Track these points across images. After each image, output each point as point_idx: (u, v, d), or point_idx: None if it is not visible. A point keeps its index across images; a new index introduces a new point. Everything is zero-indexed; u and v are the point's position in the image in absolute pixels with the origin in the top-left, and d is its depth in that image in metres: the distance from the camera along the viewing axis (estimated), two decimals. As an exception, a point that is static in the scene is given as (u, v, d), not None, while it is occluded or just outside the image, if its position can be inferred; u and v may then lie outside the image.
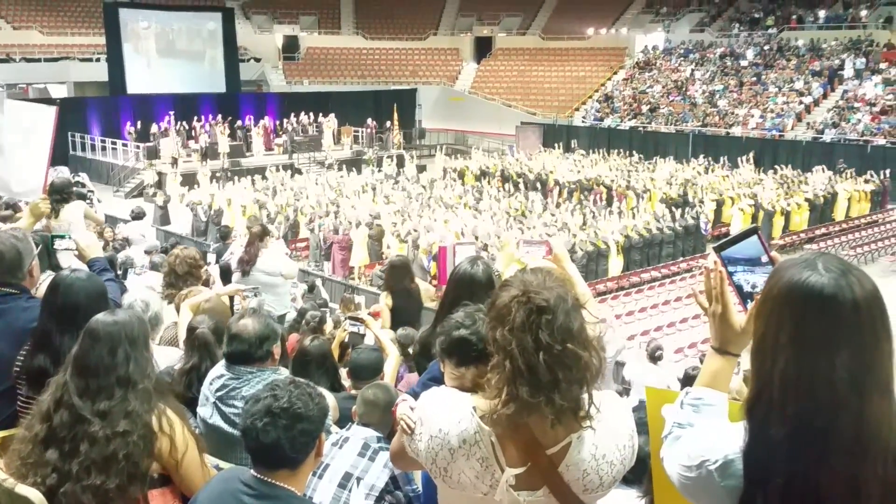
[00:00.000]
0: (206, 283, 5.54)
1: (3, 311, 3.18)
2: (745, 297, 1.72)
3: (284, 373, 3.47)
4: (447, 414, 1.92)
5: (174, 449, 2.40)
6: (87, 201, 7.30)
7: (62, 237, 4.09)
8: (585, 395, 1.80)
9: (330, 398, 3.45)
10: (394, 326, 5.82)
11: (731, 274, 1.73)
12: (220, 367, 3.37)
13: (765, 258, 1.73)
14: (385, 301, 5.94)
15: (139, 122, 30.50)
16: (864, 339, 1.40)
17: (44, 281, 3.97)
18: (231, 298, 4.92)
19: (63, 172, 7.04)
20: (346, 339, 5.26)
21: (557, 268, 2.63)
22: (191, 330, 3.73)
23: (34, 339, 2.92)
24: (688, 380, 6.23)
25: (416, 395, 2.46)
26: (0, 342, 3.10)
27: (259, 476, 2.16)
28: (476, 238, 16.56)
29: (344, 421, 3.59)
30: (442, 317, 3.04)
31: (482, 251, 15.04)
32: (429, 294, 6.63)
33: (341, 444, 3.29)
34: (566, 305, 1.79)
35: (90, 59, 37.02)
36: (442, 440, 1.90)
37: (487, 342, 1.86)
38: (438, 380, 2.43)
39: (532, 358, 1.75)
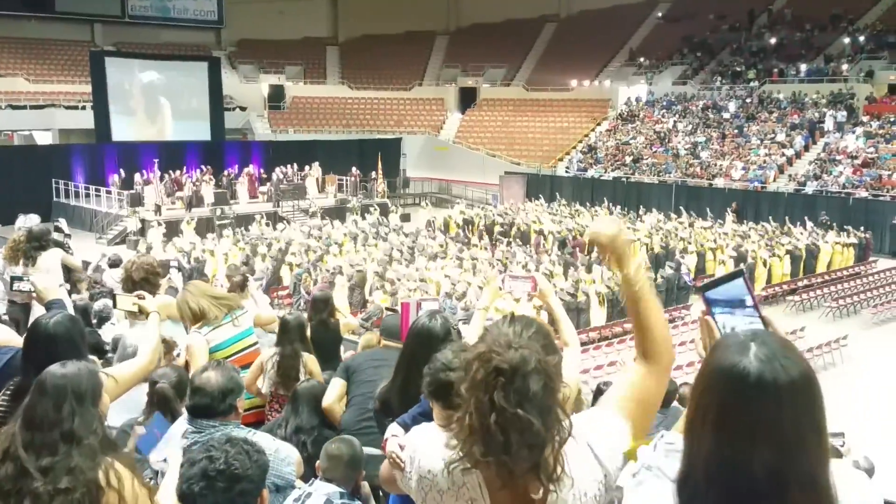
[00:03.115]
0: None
1: None
2: None
3: (246, 428, 3.39)
4: (437, 455, 1.90)
5: (123, 502, 2.31)
6: (67, 248, 7.24)
7: (20, 279, 4.07)
8: (550, 458, 1.74)
9: (294, 453, 3.36)
10: None
11: (712, 315, 1.73)
12: (182, 421, 3.28)
13: (749, 301, 1.72)
14: None
15: (124, 170, 30.57)
16: (784, 431, 1.33)
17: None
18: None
19: (33, 220, 6.97)
20: None
21: (544, 310, 2.61)
22: (151, 384, 3.65)
23: (16, 391, 2.87)
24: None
25: (405, 427, 2.41)
26: None
27: None
28: (454, 286, 16.57)
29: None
30: (402, 371, 3.00)
31: (460, 298, 15.05)
32: (349, 327, 7.09)
33: (303, 500, 3.18)
34: (526, 368, 1.73)
35: (76, 107, 37.17)
36: (431, 481, 1.90)
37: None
38: (428, 415, 2.41)
39: (485, 419, 1.71)
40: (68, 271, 7.13)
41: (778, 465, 1.32)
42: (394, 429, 2.50)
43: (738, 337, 1.43)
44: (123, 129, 34.61)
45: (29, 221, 6.60)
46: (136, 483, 2.38)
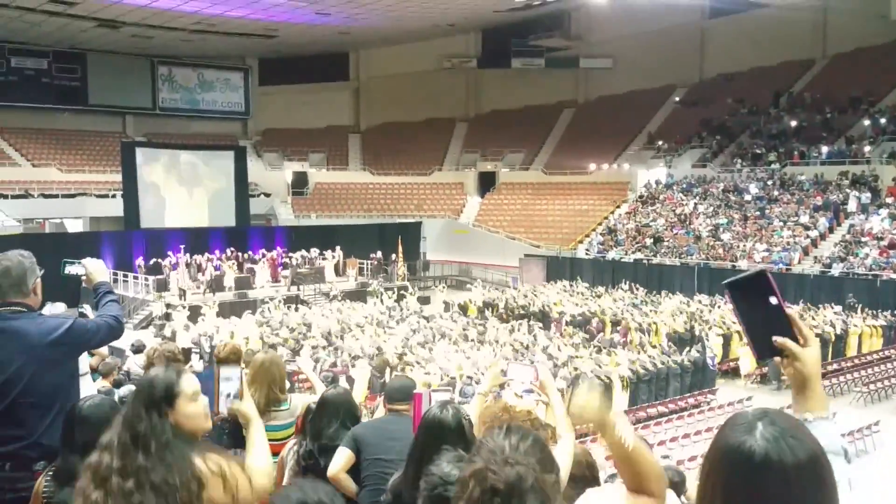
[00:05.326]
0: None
1: (17, 328, 3.33)
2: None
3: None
4: None
5: (226, 481, 2.29)
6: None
7: (72, 263, 4.29)
8: None
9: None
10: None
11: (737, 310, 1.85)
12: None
13: (773, 300, 1.77)
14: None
15: (151, 256, 31.09)
16: None
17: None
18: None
19: (58, 308, 7.05)
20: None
21: (539, 410, 2.59)
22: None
23: (60, 473, 2.90)
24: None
25: None
26: (19, 358, 3.25)
27: None
28: (477, 371, 16.43)
29: None
30: (413, 463, 2.97)
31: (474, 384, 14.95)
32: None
33: None
34: (523, 487, 1.71)
35: (106, 196, 38.15)
36: None
37: None
38: None
39: None
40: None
41: None
42: None
43: (747, 416, 1.43)
44: (152, 217, 35.43)
45: (55, 309, 6.67)
46: (230, 464, 2.36)
